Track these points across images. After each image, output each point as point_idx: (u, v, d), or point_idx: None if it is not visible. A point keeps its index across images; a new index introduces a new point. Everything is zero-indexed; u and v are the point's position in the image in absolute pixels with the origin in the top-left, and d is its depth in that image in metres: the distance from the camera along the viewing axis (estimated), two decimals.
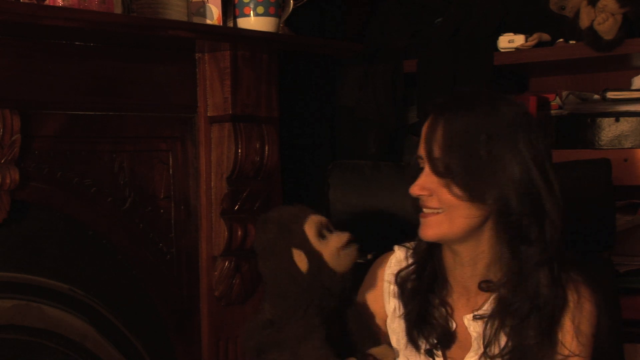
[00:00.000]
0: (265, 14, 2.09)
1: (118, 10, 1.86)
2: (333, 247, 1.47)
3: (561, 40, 2.50)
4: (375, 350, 1.57)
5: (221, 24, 2.11)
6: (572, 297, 1.49)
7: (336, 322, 1.51)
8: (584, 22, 2.36)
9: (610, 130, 2.48)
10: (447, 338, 1.54)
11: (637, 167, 2.40)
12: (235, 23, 2.13)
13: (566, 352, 1.47)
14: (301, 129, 2.65)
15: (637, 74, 2.56)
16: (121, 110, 1.95)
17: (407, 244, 1.62)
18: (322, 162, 2.58)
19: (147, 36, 1.88)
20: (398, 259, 1.63)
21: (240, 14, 2.11)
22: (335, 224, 1.95)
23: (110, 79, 1.92)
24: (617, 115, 2.47)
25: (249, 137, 2.07)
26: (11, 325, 1.78)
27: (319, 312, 1.47)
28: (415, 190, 1.49)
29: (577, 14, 2.39)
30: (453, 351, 1.55)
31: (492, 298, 1.52)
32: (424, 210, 1.50)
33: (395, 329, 1.60)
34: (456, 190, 1.44)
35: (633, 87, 2.54)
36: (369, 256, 2.05)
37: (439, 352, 1.54)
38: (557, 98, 2.63)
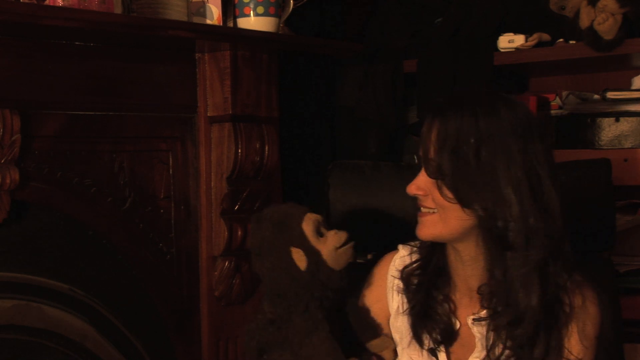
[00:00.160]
0: (265, 14, 2.09)
1: (118, 10, 1.86)
2: (331, 246, 1.47)
3: (561, 40, 2.50)
4: (374, 342, 1.57)
5: (221, 24, 2.11)
6: (576, 301, 1.48)
7: (335, 319, 1.51)
8: (584, 22, 2.36)
9: (610, 130, 2.48)
10: (450, 335, 1.54)
11: (637, 167, 2.40)
12: (235, 23, 2.13)
13: (572, 358, 1.46)
14: (301, 129, 2.65)
15: (637, 74, 2.56)
16: (121, 110, 1.95)
17: (412, 243, 1.63)
18: (322, 162, 2.58)
19: (147, 36, 1.88)
20: (402, 257, 1.63)
21: (240, 14, 2.11)
22: (336, 224, 1.95)
23: (110, 79, 1.92)
24: (617, 115, 2.47)
25: (249, 137, 2.07)
26: (11, 325, 1.78)
27: (320, 308, 1.47)
28: (411, 189, 1.50)
29: (577, 14, 2.39)
30: (456, 350, 1.55)
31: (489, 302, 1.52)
32: (421, 209, 1.50)
33: (399, 327, 1.60)
34: (446, 192, 1.45)
35: (633, 87, 2.54)
36: (369, 256, 2.05)
37: (442, 351, 1.54)
38: (557, 98, 2.63)
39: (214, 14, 2.09)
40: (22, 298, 1.80)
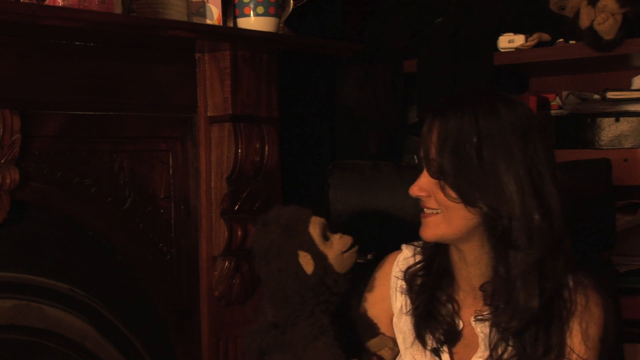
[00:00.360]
0: (265, 14, 2.09)
1: (118, 10, 1.86)
2: (337, 250, 1.47)
3: (561, 40, 2.50)
4: (373, 341, 1.57)
5: (221, 24, 2.11)
6: (580, 301, 1.48)
7: (337, 321, 1.51)
8: (584, 22, 2.36)
9: (610, 130, 2.48)
10: (453, 336, 1.54)
11: (637, 167, 2.40)
12: (235, 23, 2.13)
13: (574, 357, 1.47)
14: (301, 129, 2.65)
15: (637, 74, 2.56)
16: (121, 110, 1.95)
17: (415, 243, 1.63)
18: (322, 162, 2.58)
19: (147, 36, 1.88)
20: (406, 257, 1.63)
21: (240, 14, 2.11)
22: (335, 224, 1.95)
23: (110, 79, 1.92)
24: (617, 115, 2.47)
25: (249, 137, 2.07)
26: (11, 325, 1.78)
27: (325, 312, 1.47)
28: (414, 191, 1.50)
29: (577, 14, 2.39)
30: (460, 350, 1.55)
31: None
32: (424, 210, 1.50)
33: (402, 328, 1.60)
34: (449, 192, 1.45)
35: (633, 87, 2.54)
36: (369, 256, 2.05)
37: (445, 351, 1.54)
38: (557, 98, 2.63)
39: (214, 14, 2.09)
40: (22, 298, 1.80)
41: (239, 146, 2.06)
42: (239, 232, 2.09)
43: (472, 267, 1.52)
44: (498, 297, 1.47)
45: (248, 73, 2.08)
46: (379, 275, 1.66)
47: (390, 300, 1.63)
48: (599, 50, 2.37)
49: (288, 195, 2.28)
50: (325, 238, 1.48)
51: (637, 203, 2.49)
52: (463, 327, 1.55)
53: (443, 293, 1.56)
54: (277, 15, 2.12)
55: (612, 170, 1.95)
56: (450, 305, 1.55)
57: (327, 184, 2.00)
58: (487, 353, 1.50)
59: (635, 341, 2.27)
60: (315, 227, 1.47)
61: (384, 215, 1.95)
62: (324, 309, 1.47)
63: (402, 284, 1.61)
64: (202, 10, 2.08)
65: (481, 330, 1.52)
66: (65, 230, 1.87)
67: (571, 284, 1.49)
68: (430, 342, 1.54)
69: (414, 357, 1.57)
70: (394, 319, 1.62)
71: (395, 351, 1.60)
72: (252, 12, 2.09)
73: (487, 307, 1.51)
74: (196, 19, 2.07)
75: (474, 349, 1.53)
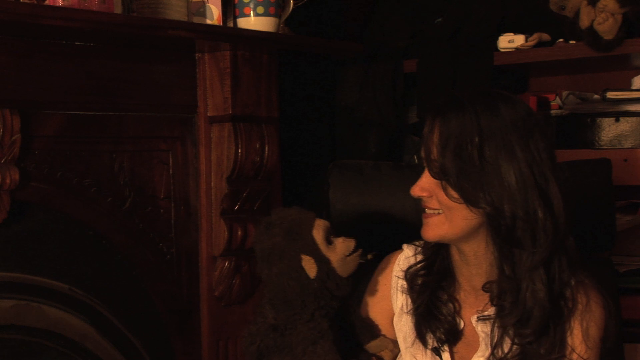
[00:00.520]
0: (265, 14, 2.09)
1: (118, 10, 1.87)
2: (341, 254, 1.47)
3: (561, 40, 2.50)
4: (373, 343, 1.57)
5: (221, 24, 2.11)
6: (581, 300, 1.48)
7: (336, 325, 1.51)
8: (584, 22, 2.36)
9: (610, 130, 2.48)
10: (454, 335, 1.54)
11: (637, 167, 2.40)
12: (235, 23, 2.13)
13: (574, 357, 1.47)
14: (301, 129, 2.65)
15: (637, 74, 2.56)
16: (121, 110, 1.95)
17: (416, 243, 1.63)
18: (322, 162, 2.58)
19: (147, 36, 1.88)
20: (407, 256, 1.63)
21: (240, 14, 2.11)
22: (336, 224, 1.95)
23: (110, 79, 1.92)
24: (617, 115, 2.47)
25: (249, 137, 2.07)
26: (11, 325, 1.78)
27: (325, 316, 1.46)
28: (415, 191, 1.50)
29: (577, 14, 2.39)
30: (460, 350, 1.55)
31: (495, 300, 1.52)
32: (426, 210, 1.50)
33: (402, 327, 1.60)
34: (451, 192, 1.45)
35: (633, 87, 2.54)
36: (369, 256, 2.04)
37: (446, 350, 1.54)
38: (557, 98, 2.63)
39: (214, 14, 2.09)
40: (22, 298, 1.80)
41: (239, 146, 2.06)
42: (239, 232, 2.09)
43: (473, 267, 1.52)
44: (504, 297, 1.48)
45: (248, 73, 2.08)
46: (380, 275, 1.66)
47: (391, 299, 1.63)
48: (599, 50, 2.37)
49: (288, 195, 2.28)
50: (329, 242, 1.47)
51: (637, 203, 2.49)
52: (464, 326, 1.55)
53: (444, 292, 1.56)
54: (277, 15, 2.12)
55: (612, 170, 1.95)
56: (451, 305, 1.55)
57: (327, 184, 2.00)
58: (488, 352, 1.50)
59: (635, 341, 2.27)
60: (319, 231, 1.46)
61: (384, 215, 1.95)
62: (324, 313, 1.46)
63: (403, 283, 1.61)
64: (202, 10, 2.08)
65: (482, 330, 1.52)
66: (65, 230, 1.87)
67: (573, 283, 1.49)
68: (431, 342, 1.55)
69: (414, 357, 1.57)
70: (395, 318, 1.62)
71: (395, 352, 1.60)
72: (252, 12, 2.09)
73: (488, 307, 1.52)
74: (196, 19, 2.07)
75: (475, 348, 1.53)
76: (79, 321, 1.87)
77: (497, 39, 2.55)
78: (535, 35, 2.51)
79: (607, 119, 2.48)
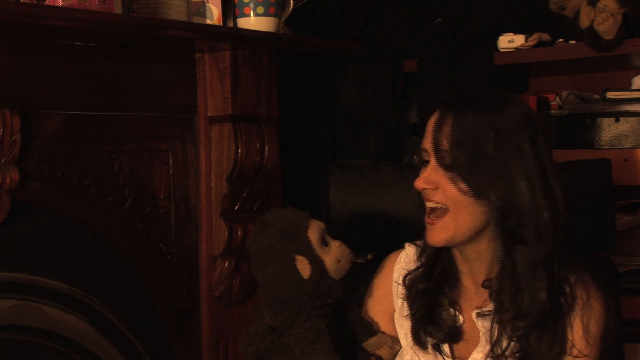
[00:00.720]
0: (265, 14, 2.09)
1: (118, 10, 1.86)
2: (335, 257, 1.47)
3: (561, 40, 2.50)
4: (371, 340, 1.57)
5: (221, 24, 2.11)
6: (580, 297, 1.49)
7: (334, 324, 1.51)
8: (584, 22, 2.36)
9: (610, 130, 2.48)
10: (453, 336, 1.54)
11: (637, 167, 2.40)
12: (235, 23, 2.13)
13: (575, 353, 1.47)
14: (301, 129, 2.65)
15: (637, 74, 2.56)
16: (121, 110, 1.95)
17: (418, 242, 1.62)
18: (322, 162, 2.58)
19: (147, 36, 1.88)
20: (408, 255, 1.63)
21: (240, 14, 2.11)
22: (335, 223, 1.95)
23: (110, 79, 1.92)
24: (617, 115, 2.47)
25: (249, 137, 2.07)
26: (11, 325, 1.78)
27: (322, 316, 1.47)
28: (420, 183, 1.49)
29: (577, 14, 2.39)
30: (461, 345, 1.55)
31: (494, 296, 1.52)
32: (428, 205, 1.49)
33: (403, 324, 1.60)
34: (462, 185, 1.45)
35: (633, 87, 2.54)
36: (369, 256, 2.05)
37: (446, 346, 1.54)
38: (557, 98, 2.63)
39: (214, 14, 2.09)
40: (22, 298, 1.80)
41: (239, 146, 2.06)
42: (239, 232, 2.09)
43: (474, 264, 1.53)
44: (503, 294, 1.48)
45: (248, 73, 2.08)
46: (381, 273, 1.67)
47: (392, 296, 1.63)
48: (599, 50, 2.37)
49: (288, 196, 2.28)
50: (324, 243, 1.48)
51: (637, 203, 2.49)
52: (464, 322, 1.55)
53: (445, 297, 1.56)
54: (277, 15, 2.12)
55: (612, 170, 1.95)
56: (451, 310, 1.55)
57: (327, 184, 2.00)
58: (487, 347, 1.50)
59: (635, 341, 2.27)
60: (314, 232, 1.47)
61: (384, 215, 1.95)
62: (321, 313, 1.46)
63: (402, 287, 1.61)
64: (202, 10, 2.08)
65: (482, 325, 1.52)
66: (65, 230, 1.87)
67: (572, 280, 1.49)
68: (430, 341, 1.55)
69: (416, 353, 1.57)
70: (396, 315, 1.62)
71: (395, 349, 1.60)
72: (252, 12, 2.09)
73: (489, 302, 1.52)
74: (196, 19, 2.07)
75: (475, 343, 1.53)
76: (79, 321, 1.87)
77: (497, 39, 2.55)
78: (535, 35, 2.51)
79: (607, 119, 2.48)
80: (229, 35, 2.05)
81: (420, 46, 2.65)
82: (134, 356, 1.97)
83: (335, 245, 1.48)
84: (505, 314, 1.47)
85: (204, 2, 2.09)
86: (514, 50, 2.53)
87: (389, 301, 1.63)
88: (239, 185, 2.09)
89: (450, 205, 1.47)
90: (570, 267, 1.49)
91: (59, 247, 1.86)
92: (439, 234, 1.49)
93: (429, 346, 1.55)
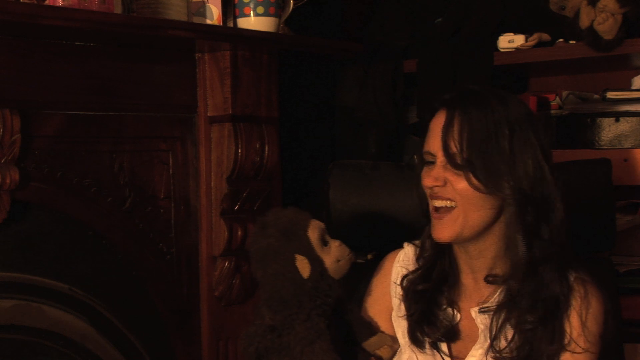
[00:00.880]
0: (265, 14, 2.09)
1: (118, 10, 1.86)
2: (335, 257, 1.48)
3: (561, 40, 2.50)
4: (371, 340, 1.57)
5: (221, 24, 2.11)
6: (579, 293, 1.49)
7: (334, 324, 1.51)
8: (584, 22, 2.36)
9: (610, 130, 2.48)
10: (451, 335, 1.54)
11: (637, 167, 2.40)
12: (235, 23, 2.13)
13: (573, 348, 1.47)
14: (301, 129, 2.65)
15: (637, 74, 2.56)
16: (121, 110, 1.95)
17: (417, 242, 1.62)
18: (322, 162, 2.58)
19: (147, 36, 1.88)
20: (407, 255, 1.63)
21: (240, 14, 2.11)
22: (336, 223, 1.95)
23: (110, 79, 1.92)
24: (617, 115, 2.47)
25: (249, 137, 2.08)
26: (11, 325, 1.78)
27: (322, 316, 1.47)
28: (429, 181, 1.49)
29: (577, 14, 2.39)
30: (459, 343, 1.55)
31: (498, 291, 1.52)
32: (436, 203, 1.49)
33: (400, 323, 1.60)
34: (475, 182, 1.45)
35: (633, 87, 2.54)
36: (369, 256, 2.05)
37: (444, 345, 1.54)
38: (557, 98, 2.63)
39: (214, 14, 2.09)
40: (22, 298, 1.80)
41: (239, 146, 2.06)
42: (239, 232, 2.09)
43: (476, 261, 1.53)
44: (509, 289, 1.48)
45: (248, 73, 2.08)
46: (379, 274, 1.67)
47: (391, 295, 1.63)
48: (599, 50, 2.37)
49: (288, 195, 2.28)
50: (324, 243, 1.48)
51: (637, 203, 2.49)
52: (462, 320, 1.55)
53: (444, 298, 1.56)
54: (277, 15, 2.12)
55: (612, 170, 1.95)
56: (450, 310, 1.55)
57: (327, 184, 2.00)
58: (487, 344, 1.50)
59: (635, 341, 2.27)
60: (314, 231, 1.47)
61: (384, 215, 1.95)
62: (321, 313, 1.47)
63: (399, 288, 1.61)
64: (202, 10, 2.08)
65: (482, 322, 1.53)
66: (65, 230, 1.87)
67: (571, 278, 1.50)
68: (427, 342, 1.55)
69: (414, 352, 1.57)
70: (393, 314, 1.62)
71: (395, 349, 1.60)
72: (252, 12, 2.09)
73: (490, 298, 1.52)
74: (196, 19, 2.07)
75: (474, 340, 1.53)
76: (79, 321, 1.87)
77: (497, 39, 2.55)
78: (535, 35, 2.51)
79: (607, 119, 2.48)
80: (229, 35, 2.05)
81: (420, 46, 2.65)
82: (134, 356, 1.97)
83: (335, 245, 1.49)
84: (511, 309, 1.47)
85: (204, 2, 2.09)
86: (514, 50, 2.52)
87: (388, 300, 1.64)
88: (239, 185, 2.09)
89: (459, 201, 1.47)
90: (569, 265, 1.50)
91: (59, 247, 1.86)
92: (447, 228, 1.49)
93: (427, 345, 1.55)
